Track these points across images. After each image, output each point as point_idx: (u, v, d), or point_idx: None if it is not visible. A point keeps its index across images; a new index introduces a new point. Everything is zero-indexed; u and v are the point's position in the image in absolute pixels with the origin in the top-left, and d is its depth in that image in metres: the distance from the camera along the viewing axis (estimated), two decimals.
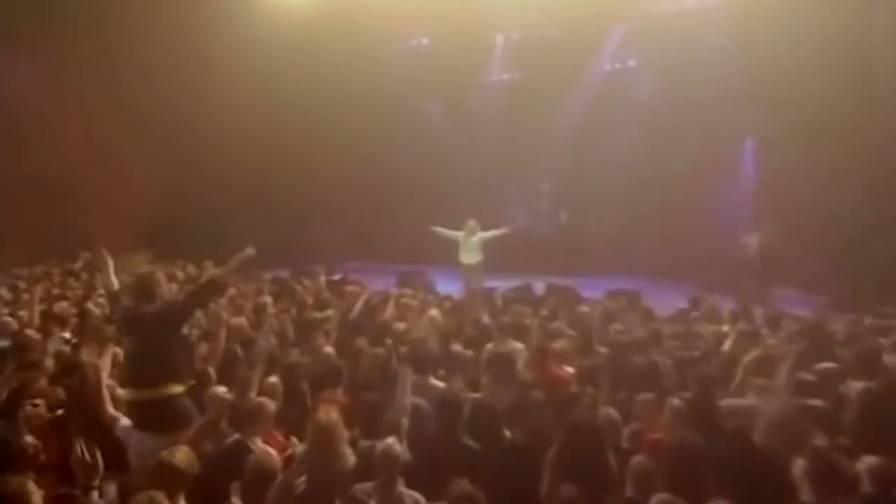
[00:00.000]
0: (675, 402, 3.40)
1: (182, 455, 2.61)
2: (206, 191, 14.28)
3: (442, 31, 13.97)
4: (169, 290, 7.92)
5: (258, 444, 3.19)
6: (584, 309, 6.51)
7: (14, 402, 3.60)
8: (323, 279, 8.75)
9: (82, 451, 2.33)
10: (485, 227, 10.16)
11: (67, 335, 6.02)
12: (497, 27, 14.04)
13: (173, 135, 14.12)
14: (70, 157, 13.43)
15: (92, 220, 13.25)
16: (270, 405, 3.41)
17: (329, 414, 2.99)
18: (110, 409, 3.26)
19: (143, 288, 3.80)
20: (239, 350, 4.88)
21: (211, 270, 9.79)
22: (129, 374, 3.57)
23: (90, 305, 6.77)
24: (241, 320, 5.94)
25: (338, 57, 13.61)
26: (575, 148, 13.36)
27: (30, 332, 5.62)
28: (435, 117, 14.83)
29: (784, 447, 2.83)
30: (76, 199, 13.36)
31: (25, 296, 7.70)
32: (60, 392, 3.96)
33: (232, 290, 7.85)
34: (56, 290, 8.46)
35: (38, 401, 3.71)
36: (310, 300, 7.38)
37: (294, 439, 3.64)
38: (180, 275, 9.43)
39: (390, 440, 2.91)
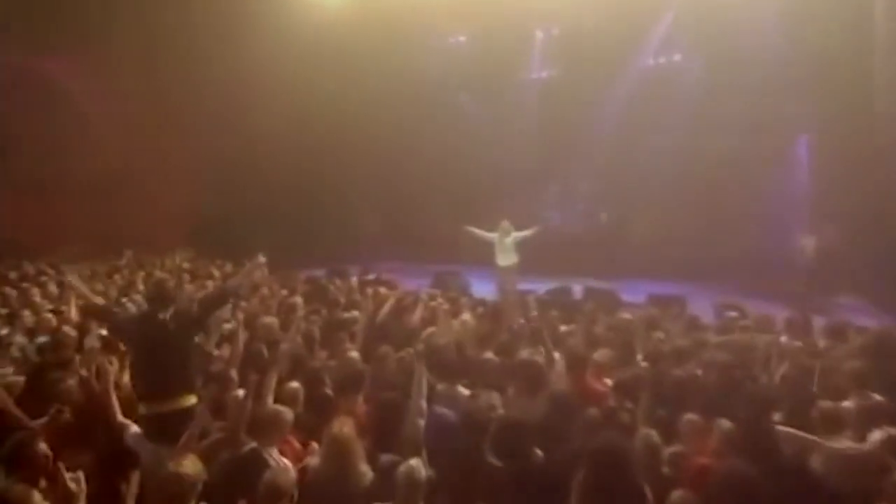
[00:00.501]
0: (725, 424, 3.05)
1: (190, 464, 2.49)
2: (246, 190, 14.58)
3: (479, 28, 13.79)
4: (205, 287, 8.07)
5: (274, 455, 3.04)
6: (624, 315, 6.15)
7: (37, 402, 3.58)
8: (355, 279, 8.66)
9: (66, 479, 2.24)
10: (522, 228, 9.89)
11: (104, 332, 6.09)
12: (536, 22, 13.72)
13: (216, 136, 14.46)
14: (119, 159, 13.93)
15: (139, 219, 13.73)
16: (287, 414, 3.26)
17: (344, 427, 2.82)
18: (119, 416, 3.17)
19: (158, 295, 3.74)
20: (265, 351, 4.80)
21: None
22: (142, 385, 3.49)
23: (126, 301, 6.87)
24: (272, 320, 5.87)
25: (374, 56, 13.60)
26: (616, 146, 12.91)
27: (66, 328, 5.70)
28: (472, 116, 14.62)
29: (855, 484, 2.47)
30: (125, 198, 13.84)
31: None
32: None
33: (265, 290, 7.87)
34: (100, 287, 8.63)
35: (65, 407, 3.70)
36: (342, 300, 7.30)
37: (315, 444, 3.50)
38: (217, 273, 9.52)
39: (414, 462, 2.71)
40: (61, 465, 2.27)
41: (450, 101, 14.56)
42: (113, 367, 3.42)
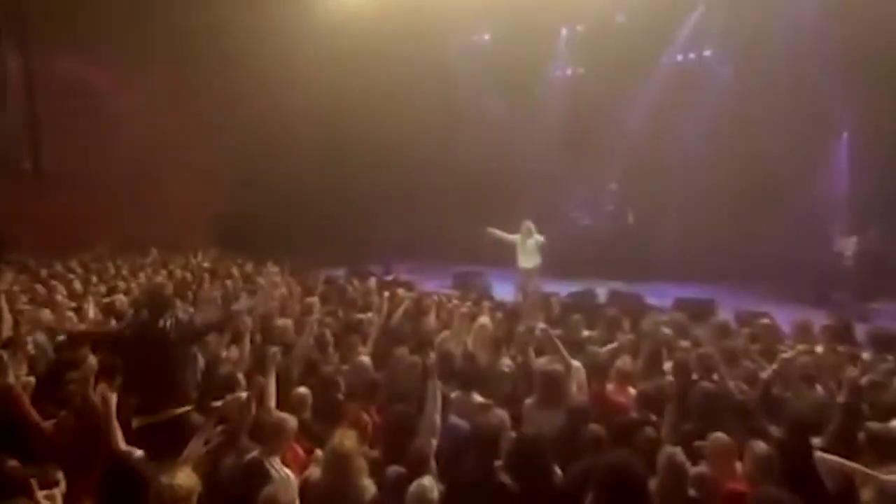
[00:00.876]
0: (761, 446, 2.76)
1: (184, 476, 2.38)
2: (270, 191, 14.69)
3: (503, 26, 13.57)
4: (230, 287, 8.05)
5: (276, 465, 2.91)
6: (650, 320, 5.86)
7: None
8: (373, 280, 8.54)
9: (39, 498, 2.15)
10: (547, 229, 9.66)
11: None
12: (560, 19, 13.44)
13: (242, 138, 14.63)
14: (149, 160, 14.22)
15: (167, 218, 13.97)
16: (291, 422, 3.13)
17: (345, 439, 2.67)
18: (122, 445, 3.07)
19: (155, 302, 3.64)
20: (278, 353, 4.70)
21: (270, 269, 9.92)
22: (136, 397, 3.36)
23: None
24: (287, 322, 5.78)
25: (396, 55, 13.50)
26: (644, 145, 12.52)
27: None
28: (496, 114, 14.42)
29: None
30: (154, 198, 14.10)
31: (94, 289, 8.03)
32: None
33: (282, 290, 7.81)
34: (122, 284, 8.71)
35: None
36: (358, 301, 7.20)
37: (320, 453, 3.37)
38: (236, 272, 9.53)
39: (427, 481, 2.55)
40: (34, 482, 2.17)
41: (473, 99, 14.38)
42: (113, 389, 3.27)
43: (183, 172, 14.36)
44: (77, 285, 8.40)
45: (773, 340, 4.73)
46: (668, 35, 12.43)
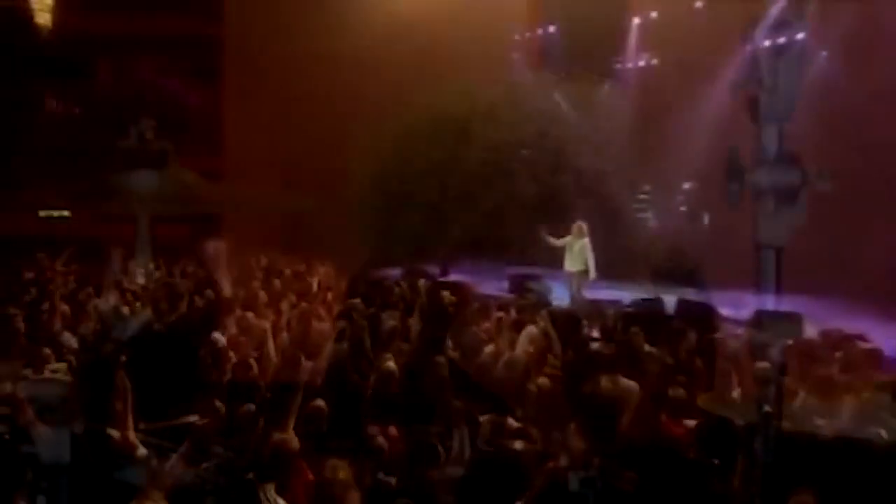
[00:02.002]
0: None
1: None
2: (335, 190, 14.85)
3: (570, 17, 12.92)
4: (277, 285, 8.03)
5: (269, 493, 2.61)
6: (721, 336, 5.14)
7: None
8: (422, 281, 8.27)
9: None
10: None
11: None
12: (632, 8, 12.64)
13: (308, 136, 14.90)
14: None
15: (234, 215, 14.48)
16: (292, 443, 2.84)
17: (336, 472, 2.34)
18: (132, 435, 2.90)
19: (158, 302, 3.47)
20: (303, 360, 4.47)
21: (321, 269, 9.91)
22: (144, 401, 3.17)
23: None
24: (324, 326, 5.58)
25: (461, 48, 13.18)
26: (722, 140, 11.45)
27: None
28: (562, 110, 13.77)
29: None
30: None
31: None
32: None
33: (328, 293, 7.68)
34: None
35: None
36: (402, 303, 6.94)
37: None
38: (287, 271, 9.58)
39: None
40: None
41: (538, 94, 13.80)
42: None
43: (252, 173, 14.86)
44: (141, 279, 8.81)
45: (872, 369, 3.94)
46: (754, 17, 11.28)
